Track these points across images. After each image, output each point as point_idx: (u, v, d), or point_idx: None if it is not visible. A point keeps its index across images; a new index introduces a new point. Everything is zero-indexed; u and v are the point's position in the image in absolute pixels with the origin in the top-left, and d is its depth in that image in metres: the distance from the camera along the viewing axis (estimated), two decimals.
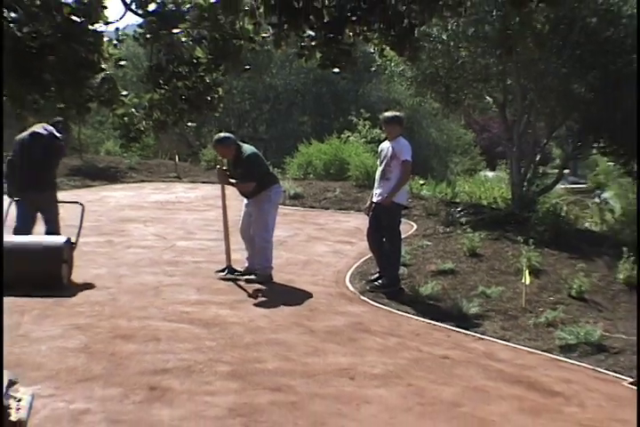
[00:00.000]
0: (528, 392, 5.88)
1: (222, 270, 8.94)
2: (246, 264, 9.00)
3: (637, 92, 11.26)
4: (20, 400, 4.08)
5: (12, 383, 4.23)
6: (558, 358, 6.82)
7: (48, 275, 8.12)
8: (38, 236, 8.99)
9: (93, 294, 7.97)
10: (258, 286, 8.60)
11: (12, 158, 9.38)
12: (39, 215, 9.35)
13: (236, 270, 8.94)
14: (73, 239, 8.74)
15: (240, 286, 8.58)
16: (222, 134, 8.97)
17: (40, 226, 9.37)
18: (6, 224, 8.92)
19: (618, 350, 6.96)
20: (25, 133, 9.33)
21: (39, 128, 9.24)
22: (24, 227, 9.08)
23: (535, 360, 6.73)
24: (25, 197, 9.05)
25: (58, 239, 8.54)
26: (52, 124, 9.14)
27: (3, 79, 4.17)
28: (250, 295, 8.26)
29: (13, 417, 3.98)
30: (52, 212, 9.39)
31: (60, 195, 10.31)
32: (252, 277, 8.78)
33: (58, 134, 9.29)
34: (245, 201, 8.92)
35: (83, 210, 9.44)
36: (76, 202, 9.88)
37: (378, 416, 5.24)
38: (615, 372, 6.51)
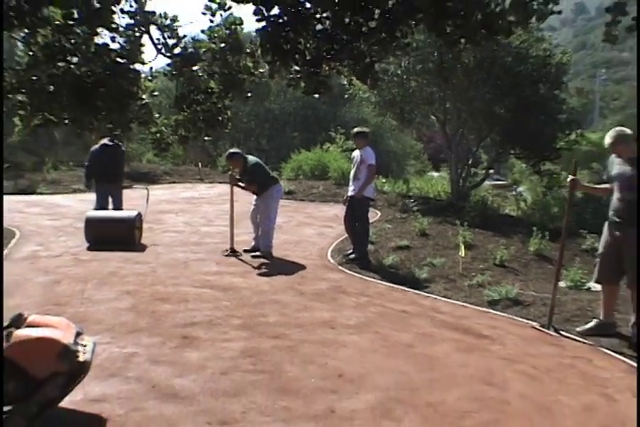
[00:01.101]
0: (463, 336, 5.91)
1: (226, 250, 8.99)
2: (253, 243, 9.06)
3: (637, 95, 11.08)
4: (85, 346, 4.10)
5: (78, 334, 4.24)
6: (486, 310, 6.85)
7: (125, 237, 9.28)
8: (119, 211, 10.47)
9: (138, 268, 7.97)
10: (261, 259, 8.63)
11: (88, 164, 10.78)
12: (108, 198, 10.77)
13: (236, 251, 8.97)
14: (142, 212, 10.06)
15: (246, 261, 8.61)
16: (232, 151, 9.05)
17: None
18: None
19: (529, 304, 7.00)
20: (96, 146, 10.66)
21: (106, 141, 10.50)
22: (101, 205, 10.57)
23: (469, 312, 6.76)
24: (100, 186, 10.58)
25: (132, 213, 9.68)
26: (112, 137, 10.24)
27: (3, 88, 4.06)
28: (255, 267, 8.29)
29: (81, 358, 4.00)
30: (118, 196, 10.78)
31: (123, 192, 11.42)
32: (258, 253, 8.85)
33: (119, 143, 10.69)
34: (255, 197, 9.03)
35: (148, 192, 11.29)
36: (144, 187, 12.22)
37: (352, 356, 5.26)
38: (527, 319, 6.54)
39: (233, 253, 8.91)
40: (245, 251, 8.97)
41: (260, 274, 7.98)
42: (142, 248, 9.24)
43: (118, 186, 10.89)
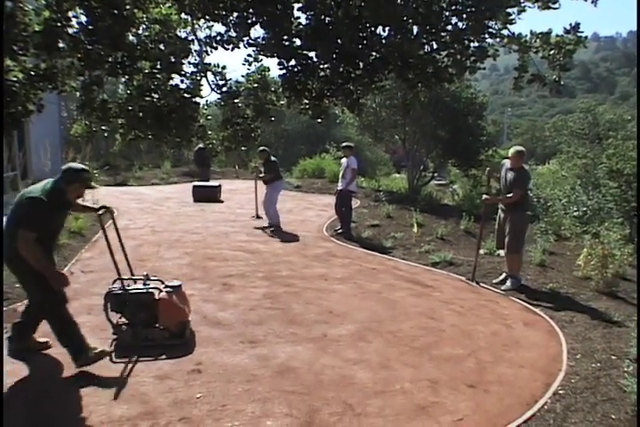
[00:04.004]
0: (415, 286, 5.91)
1: (253, 216, 9.58)
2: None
3: (638, 101, 10.83)
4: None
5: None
6: (430, 268, 6.83)
7: (213, 196, 11.63)
8: (209, 182, 12.69)
9: (194, 237, 7.93)
10: (277, 232, 8.59)
11: (194, 159, 14.13)
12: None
13: (260, 216, 9.46)
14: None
15: (266, 234, 8.57)
16: (262, 147, 9.15)
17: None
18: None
19: (460, 264, 6.96)
20: (196, 149, 13.03)
21: (200, 145, 11.99)
22: (202, 179, 13.16)
23: (419, 270, 6.74)
24: (199, 169, 13.83)
25: (216, 183, 12.20)
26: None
27: (3, 85, 3.94)
28: (273, 237, 8.25)
29: (187, 333, 4.04)
30: (207, 175, 13.85)
31: (183, 185, 13.58)
32: (267, 224, 8.96)
33: (205, 148, 11.06)
34: (265, 186, 9.04)
35: (220, 186, 12.38)
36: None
37: (339, 299, 5.27)
38: (457, 274, 6.52)
39: (258, 217, 9.43)
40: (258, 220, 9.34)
41: (276, 242, 7.95)
42: (221, 202, 11.58)
43: (207, 170, 14.00)
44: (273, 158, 8.99)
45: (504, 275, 6.20)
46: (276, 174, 8.97)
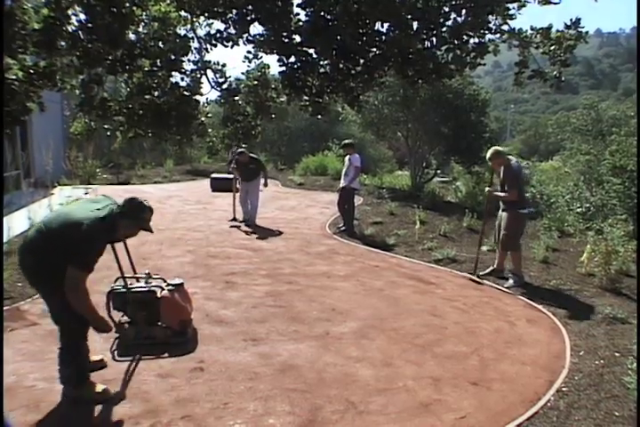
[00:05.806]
0: (418, 283, 5.89)
1: (231, 219, 9.26)
2: (242, 216, 9.17)
3: (637, 100, 10.66)
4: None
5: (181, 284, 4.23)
6: (433, 265, 6.80)
7: (229, 187, 10.76)
8: (224, 175, 12.92)
9: (197, 235, 7.92)
10: (280, 229, 8.56)
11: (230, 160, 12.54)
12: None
13: (236, 219, 9.23)
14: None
15: (268, 231, 8.54)
16: (240, 149, 8.93)
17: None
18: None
19: (463, 261, 6.94)
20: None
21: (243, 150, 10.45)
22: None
23: (422, 267, 6.71)
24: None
25: (230, 175, 11.00)
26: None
27: (3, 82, 3.84)
28: (275, 235, 8.22)
29: (190, 332, 4.05)
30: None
31: (185, 184, 13.14)
32: (247, 222, 8.98)
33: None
34: (244, 182, 9.06)
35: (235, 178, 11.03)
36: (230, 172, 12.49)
37: (342, 296, 5.25)
38: (460, 271, 6.50)
39: (234, 220, 9.20)
40: (240, 221, 9.12)
41: (279, 240, 7.92)
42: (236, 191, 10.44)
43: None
44: (257, 157, 9.16)
45: (506, 271, 6.19)
46: (259, 172, 8.99)
